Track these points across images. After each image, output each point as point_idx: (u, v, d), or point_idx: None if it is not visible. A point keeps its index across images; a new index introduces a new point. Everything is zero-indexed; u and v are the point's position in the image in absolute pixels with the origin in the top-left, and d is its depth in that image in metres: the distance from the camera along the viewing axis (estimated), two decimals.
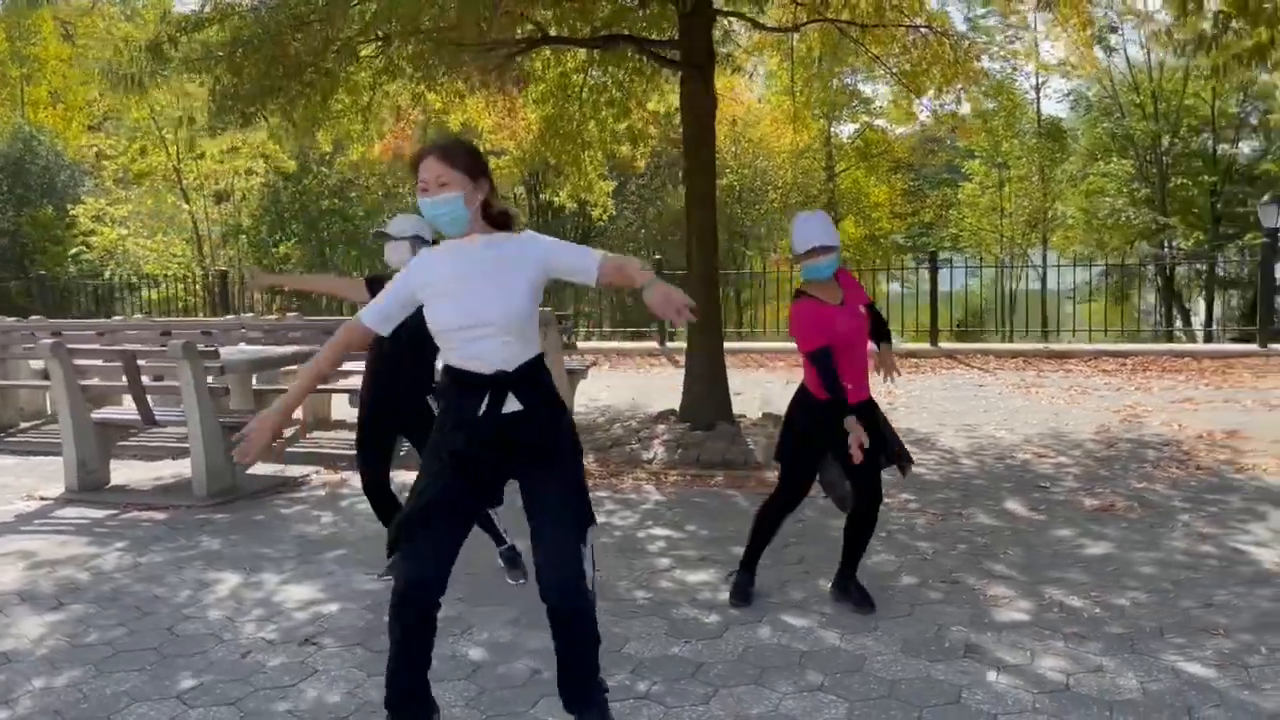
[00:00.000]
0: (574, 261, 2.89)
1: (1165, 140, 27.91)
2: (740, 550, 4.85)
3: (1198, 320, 29.17)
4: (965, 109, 10.42)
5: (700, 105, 7.29)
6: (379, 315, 2.90)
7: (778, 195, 28.63)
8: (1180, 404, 8.53)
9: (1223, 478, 6.01)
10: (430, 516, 2.87)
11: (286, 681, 3.59)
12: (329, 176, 24.25)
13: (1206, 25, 5.67)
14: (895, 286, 18.29)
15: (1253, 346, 11.09)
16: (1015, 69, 25.45)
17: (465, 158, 2.86)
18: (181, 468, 6.99)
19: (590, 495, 3.03)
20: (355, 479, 6.75)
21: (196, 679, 3.63)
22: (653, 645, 3.81)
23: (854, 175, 31.38)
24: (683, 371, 7.79)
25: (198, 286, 20.34)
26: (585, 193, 11.13)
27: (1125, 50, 27.91)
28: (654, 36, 7.47)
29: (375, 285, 4.50)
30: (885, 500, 5.70)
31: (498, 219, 2.93)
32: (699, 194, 7.39)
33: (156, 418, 6.71)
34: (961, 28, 9.12)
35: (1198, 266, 27.78)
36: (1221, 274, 27.94)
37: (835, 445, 3.92)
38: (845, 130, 30.49)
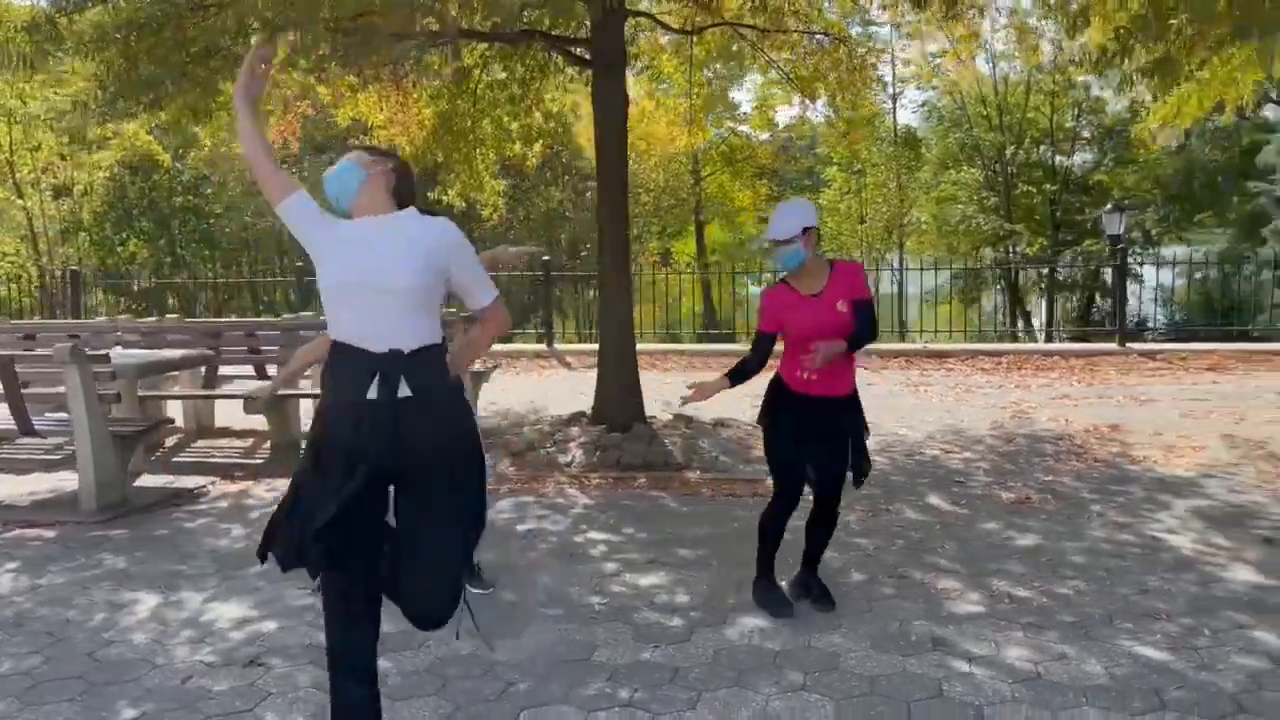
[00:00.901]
0: (474, 282, 2.81)
1: (1010, 151, 29.44)
2: (686, 552, 4.83)
3: (1038, 321, 30.92)
4: (854, 114, 10.66)
5: (614, 104, 7.23)
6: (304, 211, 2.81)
7: (650, 198, 28.89)
8: (1060, 400, 8.97)
9: (1120, 469, 6.34)
10: (346, 544, 2.69)
11: (239, 706, 3.36)
12: (182, 172, 23.09)
13: (1107, 41, 5.96)
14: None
15: (1113, 345, 11.77)
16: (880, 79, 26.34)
17: (378, 150, 2.94)
18: (60, 481, 6.50)
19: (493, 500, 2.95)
20: (258, 489, 6.43)
21: (136, 708, 3.35)
22: (622, 651, 3.73)
23: (719, 180, 31.88)
24: (576, 373, 7.74)
25: (34, 287, 19.05)
26: (476, 191, 10.92)
27: (984, 62, 29.29)
28: (564, 34, 7.36)
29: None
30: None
31: (406, 200, 2.88)
32: (612, 194, 7.33)
33: (35, 427, 6.21)
34: (855, 34, 9.25)
35: (1040, 270, 29.37)
36: (1061, 278, 29.60)
37: (814, 439, 3.92)
38: (713, 134, 30.88)
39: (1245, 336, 16.73)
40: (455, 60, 8.14)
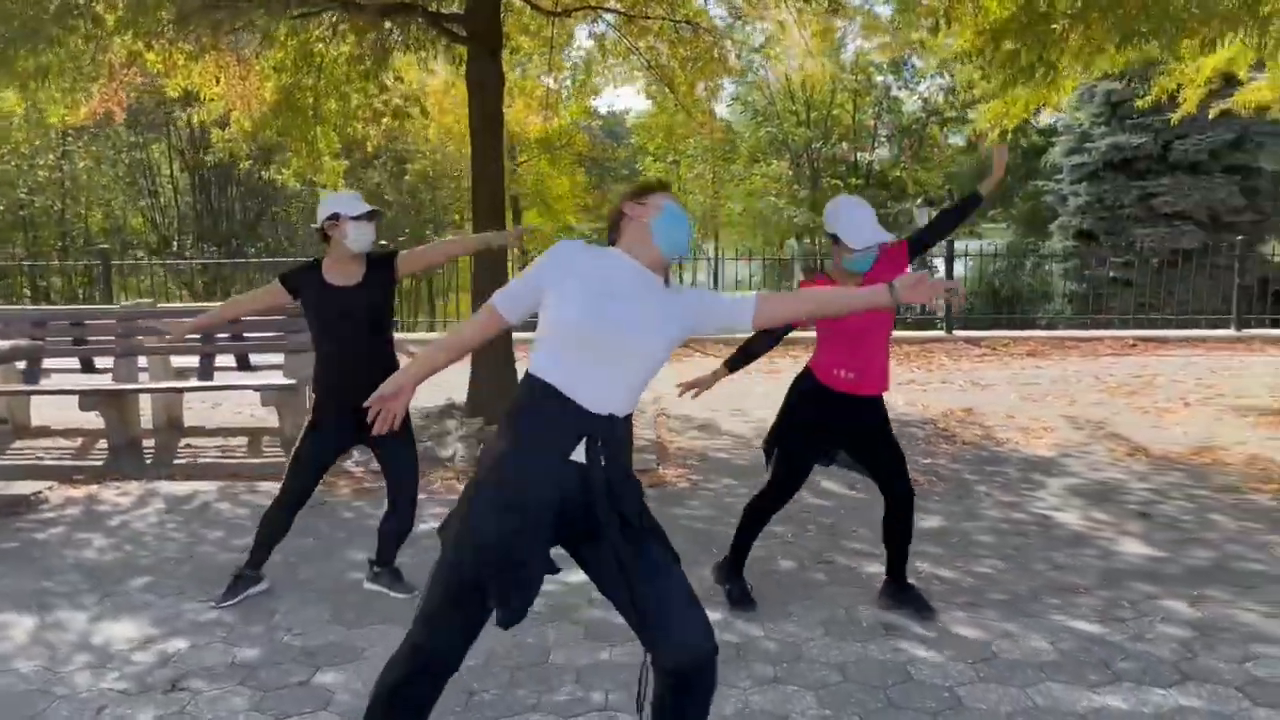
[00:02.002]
0: (725, 308, 2.50)
1: (817, 146, 30.68)
2: None
3: None
4: (718, 106, 10.77)
5: (490, 86, 6.98)
6: (508, 299, 2.51)
7: (453, 184, 28.33)
8: (909, 385, 9.38)
9: (989, 451, 6.68)
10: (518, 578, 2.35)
11: None
12: None
13: (980, 42, 6.24)
14: None
15: (941, 333, 12.43)
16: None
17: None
18: None
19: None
20: (106, 493, 5.85)
21: None
22: (579, 652, 3.60)
23: (538, 166, 31.61)
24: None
25: None
26: (314, 172, 10.33)
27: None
28: (438, 9, 7.05)
29: (291, 281, 3.97)
30: (712, 487, 5.87)
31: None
32: (487, 175, 7.09)
33: None
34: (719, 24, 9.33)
35: None
36: None
37: (843, 442, 3.87)
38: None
39: (1029, 324, 18.12)
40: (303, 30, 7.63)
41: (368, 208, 3.92)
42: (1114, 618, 3.84)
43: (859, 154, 32.04)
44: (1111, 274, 17.61)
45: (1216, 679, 3.31)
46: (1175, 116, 10.20)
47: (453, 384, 8.34)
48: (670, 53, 8.72)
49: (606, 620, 3.86)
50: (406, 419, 4.00)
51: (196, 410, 8.36)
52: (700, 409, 8.04)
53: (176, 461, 6.74)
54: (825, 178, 30.67)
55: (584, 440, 2.33)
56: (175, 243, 26.31)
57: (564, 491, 2.34)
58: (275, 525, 4.09)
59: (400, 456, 4.05)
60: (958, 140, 30.22)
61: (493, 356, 7.19)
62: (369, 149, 11.31)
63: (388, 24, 7.34)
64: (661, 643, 2.35)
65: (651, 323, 2.38)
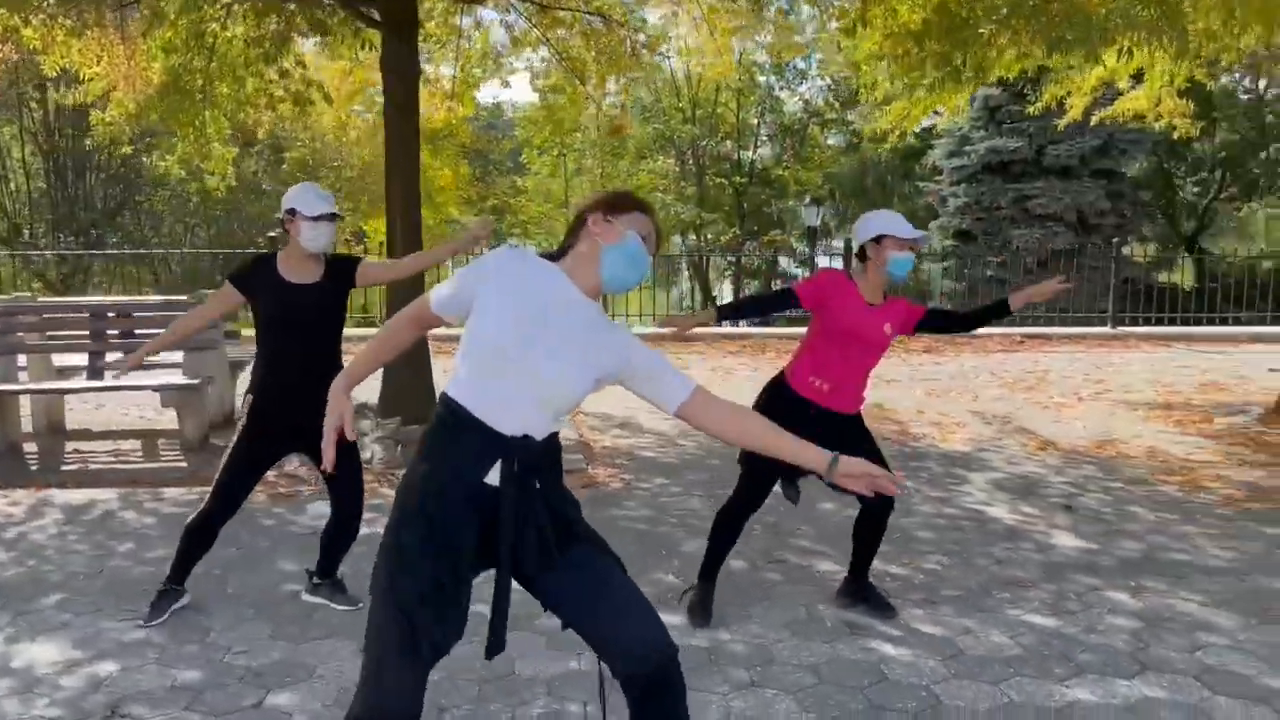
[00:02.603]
0: (659, 379, 2.33)
1: (703, 143, 30.97)
2: None
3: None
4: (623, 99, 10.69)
5: (406, 73, 6.74)
6: (441, 295, 2.32)
7: (332, 173, 27.56)
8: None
9: (909, 446, 6.81)
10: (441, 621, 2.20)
11: None
12: None
13: (895, 45, 6.34)
14: None
15: None
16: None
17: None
18: None
19: None
20: None
21: None
22: (546, 662, 3.48)
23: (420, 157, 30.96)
24: None
25: None
26: (202, 159, 9.83)
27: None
28: None
29: (242, 281, 3.67)
30: (646, 487, 5.80)
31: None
32: (402, 166, 6.85)
33: None
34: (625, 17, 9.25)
35: (728, 258, 31.19)
36: (748, 265, 31.64)
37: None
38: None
39: None
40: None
41: (328, 209, 3.66)
42: (1065, 610, 3.93)
43: (742, 152, 32.47)
44: (988, 273, 18.29)
45: (1172, 669, 3.42)
46: (1061, 122, 10.61)
47: (364, 384, 8.04)
48: (583, 45, 8.60)
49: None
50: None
51: (78, 412, 7.85)
52: (617, 406, 7.97)
53: (66, 468, 6.30)
54: (710, 174, 30.98)
55: (499, 463, 2.20)
56: (28, 231, 24.78)
57: (483, 515, 2.22)
58: (199, 538, 3.81)
59: (343, 468, 3.84)
60: (838, 141, 30.94)
61: (410, 355, 6.94)
62: (259, 135, 10.80)
63: (292, 6, 7.00)
64: (618, 650, 2.28)
65: (573, 361, 2.23)
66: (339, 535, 3.92)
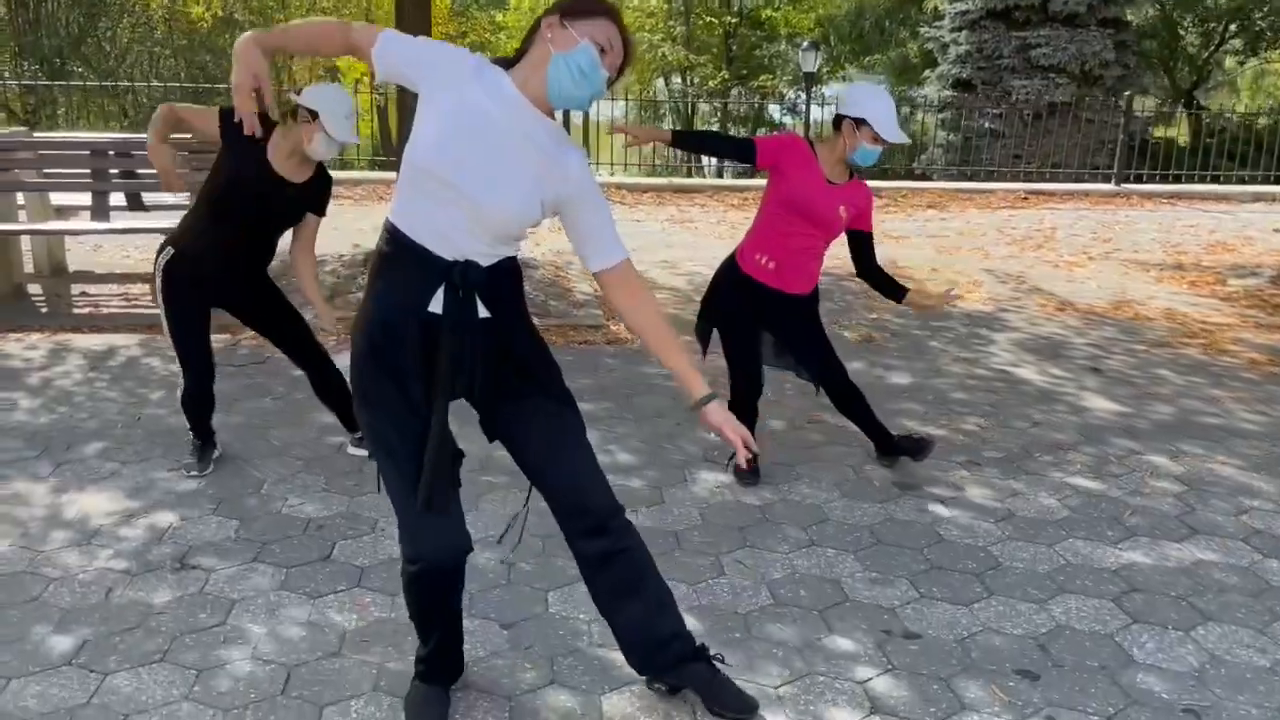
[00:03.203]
0: (597, 230, 2.20)
1: None
2: (588, 405, 4.61)
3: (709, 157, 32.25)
4: None
5: None
6: (390, 57, 2.09)
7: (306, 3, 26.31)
8: None
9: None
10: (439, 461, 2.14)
11: (207, 621, 2.78)
12: None
13: None
14: None
15: None
16: None
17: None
18: None
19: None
20: (5, 344, 5.31)
21: (69, 634, 2.68)
22: None
23: None
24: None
25: None
26: None
27: None
28: None
29: (230, 127, 3.40)
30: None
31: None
32: (415, 6, 6.48)
33: None
34: None
35: (715, 104, 30.37)
36: (734, 112, 30.86)
37: (763, 328, 3.77)
38: None
39: (912, 175, 18.46)
40: None
41: (353, 138, 3.41)
42: (1108, 474, 3.98)
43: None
44: (986, 125, 17.95)
45: (1221, 532, 3.49)
46: None
47: (367, 235, 7.88)
48: None
49: (623, 486, 3.75)
50: (274, 288, 3.75)
51: (75, 253, 7.64)
52: (639, 262, 7.84)
53: (77, 311, 6.17)
54: (698, 13, 29.87)
55: (441, 289, 2.10)
56: None
57: (427, 344, 2.13)
58: (196, 405, 3.74)
59: (284, 329, 3.76)
60: None
61: None
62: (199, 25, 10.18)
63: None
64: (564, 503, 2.28)
65: (516, 186, 2.07)
66: (327, 388, 3.85)
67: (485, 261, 2.12)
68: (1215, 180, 13.63)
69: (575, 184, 2.14)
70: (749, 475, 3.83)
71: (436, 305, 2.11)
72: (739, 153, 3.63)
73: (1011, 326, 6.27)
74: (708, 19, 29.32)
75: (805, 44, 18.58)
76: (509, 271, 2.21)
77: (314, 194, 3.59)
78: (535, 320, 2.40)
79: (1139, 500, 3.74)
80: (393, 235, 2.13)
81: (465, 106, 2.05)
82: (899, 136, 3.44)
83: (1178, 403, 4.88)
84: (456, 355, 2.14)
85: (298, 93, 3.42)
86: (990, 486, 3.84)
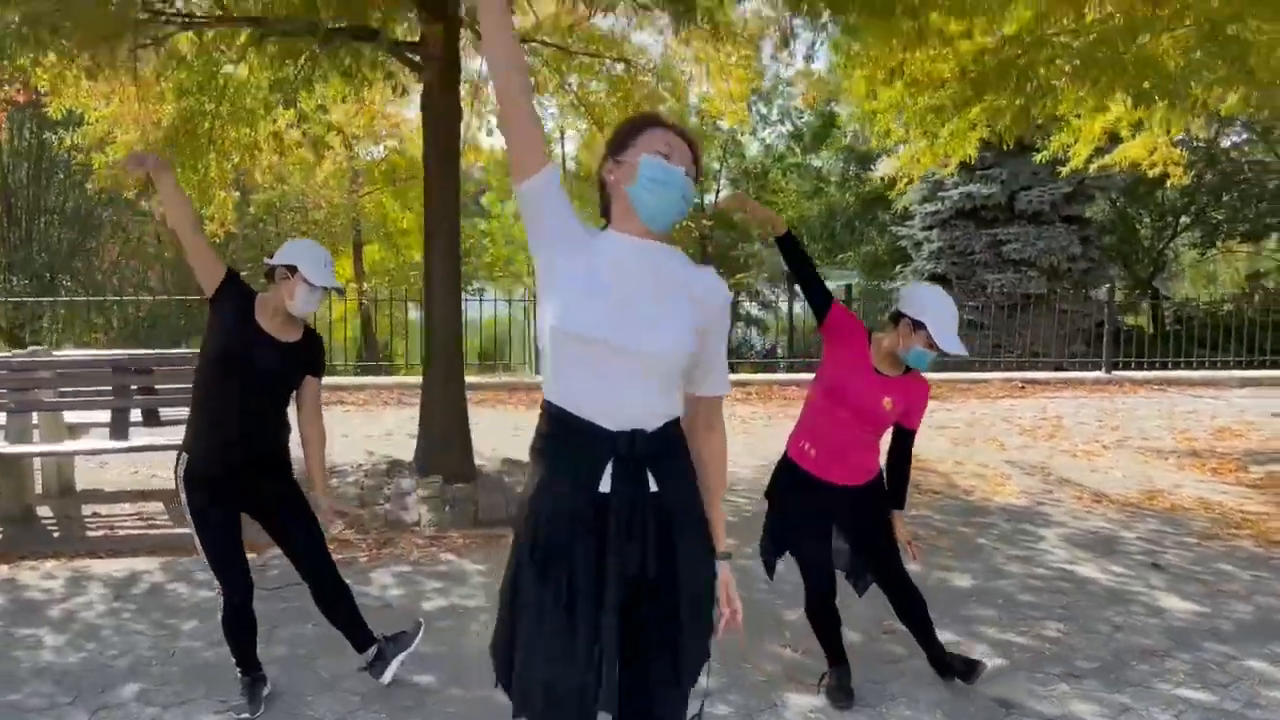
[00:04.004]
0: (717, 358, 2.17)
1: None
2: None
3: None
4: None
5: (449, 118, 6.53)
6: (556, 174, 2.08)
7: (295, 216, 27.16)
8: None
9: (963, 501, 6.65)
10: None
11: None
12: None
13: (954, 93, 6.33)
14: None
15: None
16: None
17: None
18: None
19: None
20: (21, 574, 5.04)
21: None
22: None
23: (379, 199, 30.55)
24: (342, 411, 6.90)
25: None
26: (203, 204, 9.49)
27: None
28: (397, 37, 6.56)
29: (233, 286, 3.38)
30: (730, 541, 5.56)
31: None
32: (442, 214, 6.61)
33: None
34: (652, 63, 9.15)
35: None
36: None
37: (817, 523, 3.64)
38: (375, 152, 29.58)
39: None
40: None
41: (334, 284, 3.40)
42: (1214, 683, 3.79)
43: (705, 195, 32.57)
44: (967, 316, 18.43)
45: None
46: (1066, 169, 10.70)
47: (401, 441, 7.76)
48: (609, 91, 8.47)
49: (708, 713, 3.50)
50: (294, 482, 3.54)
51: (82, 470, 7.42)
52: None
53: (91, 534, 5.91)
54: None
55: (610, 464, 2.02)
56: None
57: (600, 533, 2.02)
58: (237, 625, 3.52)
59: (294, 527, 3.55)
60: (801, 185, 31.17)
61: (447, 407, 6.67)
62: (260, 180, 10.50)
63: (338, 48, 6.77)
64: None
65: (664, 319, 2.02)
66: (332, 600, 3.61)
67: (652, 425, 2.05)
68: (1190, 365, 13.94)
69: (719, 308, 2.12)
70: (842, 697, 3.60)
71: (607, 484, 2.02)
72: (819, 298, 3.54)
73: (1055, 521, 6.15)
74: (685, 222, 30.43)
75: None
76: (674, 441, 2.12)
77: (306, 353, 3.48)
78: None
79: (1259, 714, 3.53)
80: (552, 414, 2.08)
81: (596, 262, 2.05)
82: (956, 347, 3.34)
83: (1253, 600, 4.72)
84: (630, 531, 2.02)
85: (270, 256, 3.44)
86: (1097, 702, 3.62)
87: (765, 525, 3.73)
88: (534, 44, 8.25)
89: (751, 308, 31.20)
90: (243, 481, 3.45)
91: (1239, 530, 5.96)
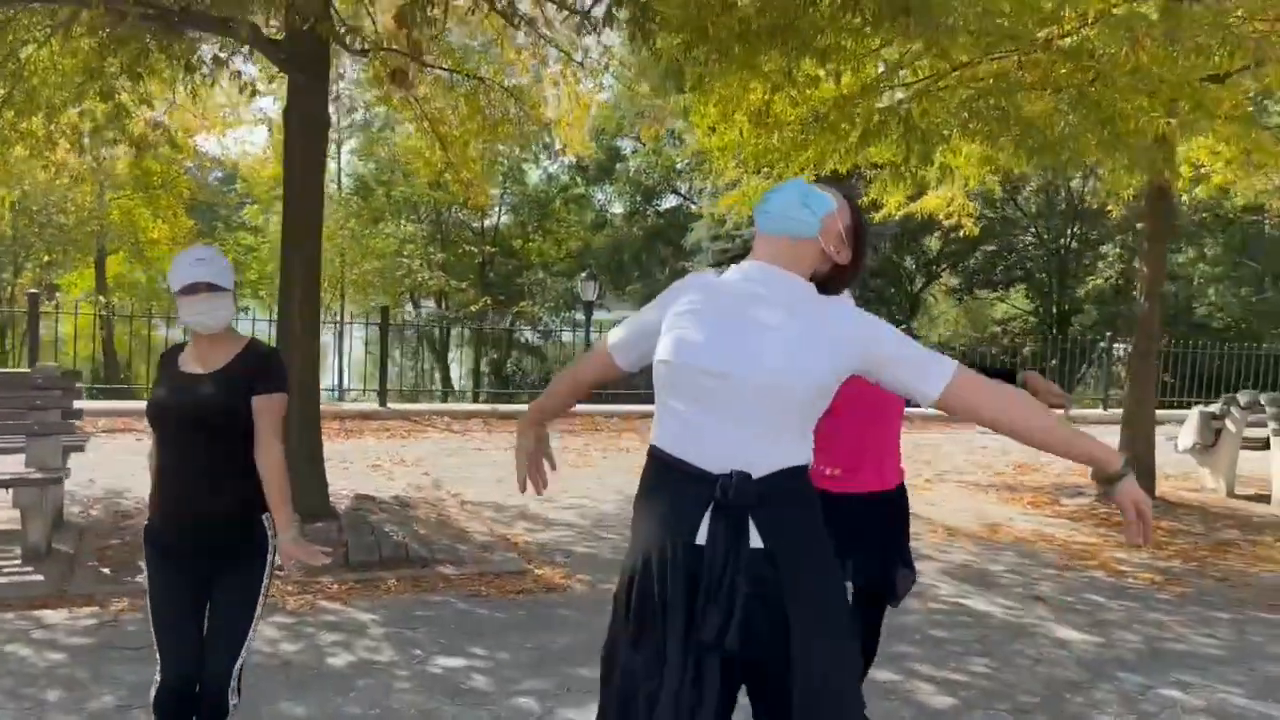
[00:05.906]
0: (916, 358, 1.98)
1: (448, 209, 30.36)
2: (584, 671, 4.17)
3: (459, 376, 32.52)
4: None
5: (313, 124, 6.01)
6: (618, 337, 2.16)
7: (37, 219, 24.66)
8: None
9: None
10: None
11: None
12: None
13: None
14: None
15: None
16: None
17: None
18: None
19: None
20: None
21: None
22: None
23: (127, 205, 28.06)
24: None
25: None
26: None
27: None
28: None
29: (165, 357, 2.92)
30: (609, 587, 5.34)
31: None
32: (303, 223, 6.05)
33: None
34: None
35: (467, 328, 30.56)
36: (490, 334, 31.16)
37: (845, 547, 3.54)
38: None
39: None
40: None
41: (197, 277, 2.72)
42: (1145, 713, 3.97)
43: (484, 219, 32.17)
44: None
45: None
46: (878, 215, 11.30)
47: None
48: (464, 107, 8.12)
49: None
50: (254, 575, 2.87)
51: None
52: (505, 495, 7.40)
53: None
54: (455, 241, 30.49)
55: (708, 514, 1.86)
56: None
57: (691, 587, 1.86)
58: (173, 712, 2.79)
59: (218, 612, 2.86)
60: (585, 218, 31.43)
61: (303, 442, 6.07)
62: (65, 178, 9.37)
63: (188, 38, 6.07)
64: None
65: (774, 350, 1.88)
66: (195, 700, 2.81)
67: (759, 469, 1.86)
68: None
69: (865, 337, 1.98)
70: None
71: (703, 536, 1.85)
72: None
73: (923, 554, 6.31)
74: (466, 247, 29.91)
75: (584, 275, 19.20)
76: (792, 494, 1.91)
77: (244, 372, 2.83)
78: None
79: None
80: (655, 457, 1.96)
81: (700, 297, 1.99)
82: None
83: (1135, 629, 5.03)
84: (714, 593, 1.82)
85: None
86: None
87: None
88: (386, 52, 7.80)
89: (531, 336, 31.06)
90: (196, 552, 2.85)
91: (1085, 561, 6.38)
